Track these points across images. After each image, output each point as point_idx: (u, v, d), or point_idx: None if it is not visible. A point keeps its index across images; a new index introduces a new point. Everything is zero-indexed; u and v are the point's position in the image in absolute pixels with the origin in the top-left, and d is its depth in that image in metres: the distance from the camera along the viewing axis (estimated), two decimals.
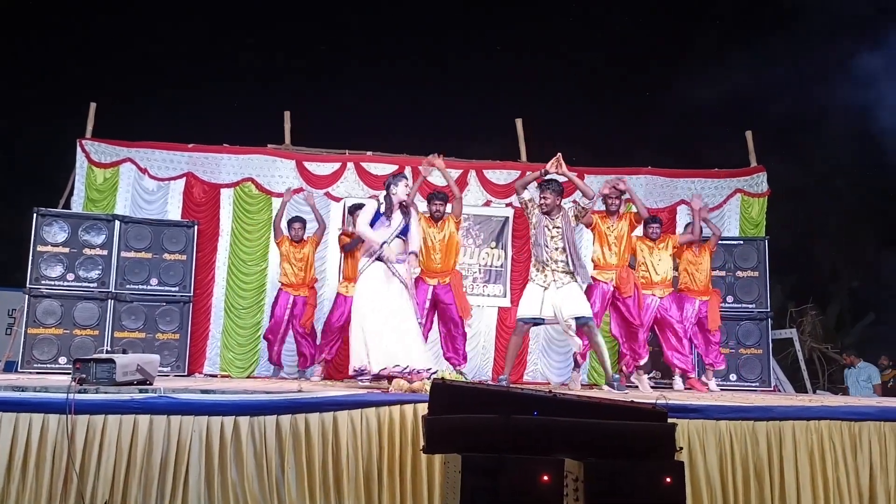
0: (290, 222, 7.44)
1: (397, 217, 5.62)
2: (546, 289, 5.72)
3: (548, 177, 6.01)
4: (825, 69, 10.34)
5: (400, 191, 5.62)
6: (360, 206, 6.58)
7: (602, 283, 6.38)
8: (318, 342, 7.31)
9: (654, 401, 3.61)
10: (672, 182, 8.75)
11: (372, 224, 5.59)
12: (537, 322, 5.95)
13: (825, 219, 12.52)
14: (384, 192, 5.75)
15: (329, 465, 3.85)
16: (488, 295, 8.48)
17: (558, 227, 5.76)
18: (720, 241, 8.06)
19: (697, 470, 4.07)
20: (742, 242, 8.11)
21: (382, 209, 5.61)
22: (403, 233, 5.61)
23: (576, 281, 5.76)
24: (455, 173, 8.56)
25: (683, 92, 11.66)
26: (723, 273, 7.88)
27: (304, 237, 7.43)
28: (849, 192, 12.21)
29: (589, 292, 6.37)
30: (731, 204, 8.65)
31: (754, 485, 4.15)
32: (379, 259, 5.49)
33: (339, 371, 7.46)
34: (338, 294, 7.20)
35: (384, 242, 5.48)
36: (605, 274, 6.42)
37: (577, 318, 5.73)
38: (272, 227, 7.54)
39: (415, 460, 3.93)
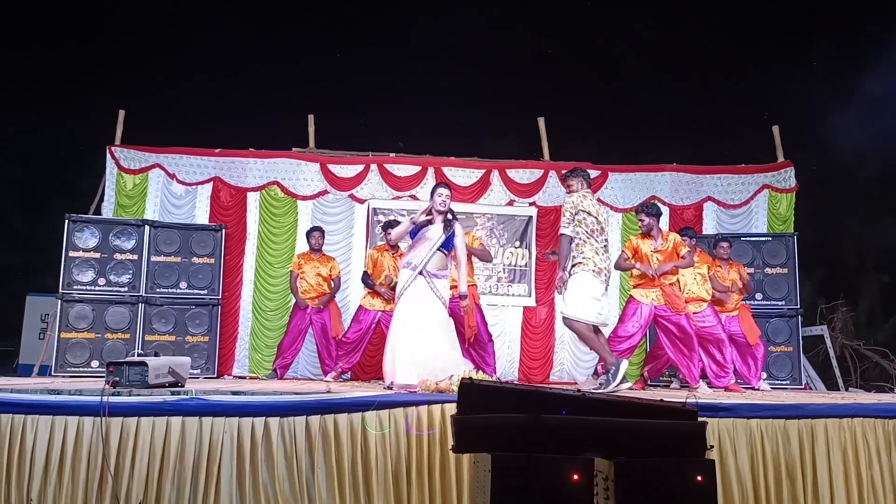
0: (310, 232, 7.47)
1: (436, 230, 5.46)
2: None
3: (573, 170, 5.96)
4: (851, 59, 10.19)
5: (436, 201, 5.49)
6: (395, 223, 6.80)
7: (642, 304, 6.12)
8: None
9: (684, 399, 3.59)
10: (698, 179, 8.68)
11: (412, 235, 5.52)
12: None
13: (852, 212, 12.32)
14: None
15: (358, 465, 3.88)
16: (513, 295, 8.47)
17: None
18: (748, 239, 8.01)
19: (728, 469, 4.04)
20: (770, 239, 8.02)
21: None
22: (445, 247, 5.46)
23: (575, 274, 5.52)
24: (478, 173, 8.60)
25: (708, 87, 11.55)
26: (751, 270, 7.78)
27: (324, 247, 7.44)
28: (876, 183, 12.00)
29: (625, 310, 6.29)
30: (759, 200, 8.56)
31: (786, 483, 4.11)
32: (420, 274, 5.39)
33: (365, 372, 7.51)
34: (360, 307, 7.10)
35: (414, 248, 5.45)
36: (646, 293, 6.15)
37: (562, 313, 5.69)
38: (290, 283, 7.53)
39: (443, 460, 3.94)
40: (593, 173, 8.55)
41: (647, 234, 6.22)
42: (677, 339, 6.13)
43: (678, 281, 6.33)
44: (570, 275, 5.55)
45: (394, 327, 5.36)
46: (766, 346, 7.24)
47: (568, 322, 5.66)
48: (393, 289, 6.39)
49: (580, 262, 5.52)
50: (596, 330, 5.67)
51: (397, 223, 6.86)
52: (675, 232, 6.71)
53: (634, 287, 6.26)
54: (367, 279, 7.08)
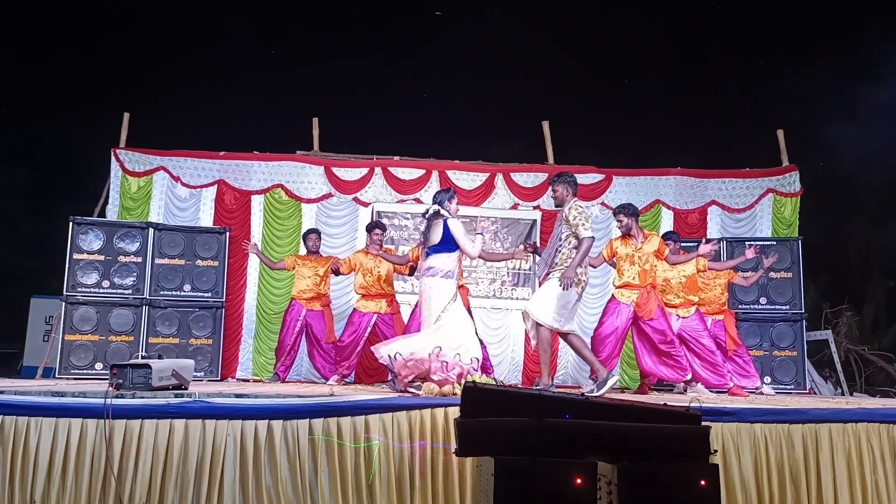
0: (307, 234, 7.49)
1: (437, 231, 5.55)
2: None
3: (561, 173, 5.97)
4: (856, 64, 10.19)
5: (453, 207, 5.58)
6: (377, 225, 7.11)
7: (622, 304, 6.18)
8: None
9: (687, 403, 3.58)
10: (702, 183, 8.67)
11: (448, 246, 5.52)
12: None
13: (858, 216, 12.30)
14: (434, 209, 5.60)
15: (361, 468, 3.88)
16: (517, 298, 8.46)
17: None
18: (752, 243, 7.97)
19: (732, 473, 4.02)
20: (775, 243, 7.98)
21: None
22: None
23: (554, 278, 5.48)
24: (482, 176, 8.61)
25: (712, 91, 11.56)
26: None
27: (328, 251, 7.44)
28: (881, 188, 11.98)
29: (605, 310, 6.33)
30: (763, 204, 8.54)
31: (790, 488, 4.09)
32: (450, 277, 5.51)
33: (368, 375, 7.49)
34: (354, 310, 7.09)
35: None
36: (625, 294, 6.20)
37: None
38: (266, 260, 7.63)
39: (446, 463, 3.93)
40: (597, 177, 8.58)
41: (626, 235, 6.27)
42: (648, 342, 6.19)
43: (652, 283, 6.33)
44: (549, 277, 5.56)
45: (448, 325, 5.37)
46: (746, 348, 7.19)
47: (535, 325, 5.59)
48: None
49: (561, 268, 5.50)
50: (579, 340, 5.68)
51: (381, 224, 7.25)
52: (662, 237, 6.70)
53: (617, 288, 6.30)
54: (338, 272, 7.18)
